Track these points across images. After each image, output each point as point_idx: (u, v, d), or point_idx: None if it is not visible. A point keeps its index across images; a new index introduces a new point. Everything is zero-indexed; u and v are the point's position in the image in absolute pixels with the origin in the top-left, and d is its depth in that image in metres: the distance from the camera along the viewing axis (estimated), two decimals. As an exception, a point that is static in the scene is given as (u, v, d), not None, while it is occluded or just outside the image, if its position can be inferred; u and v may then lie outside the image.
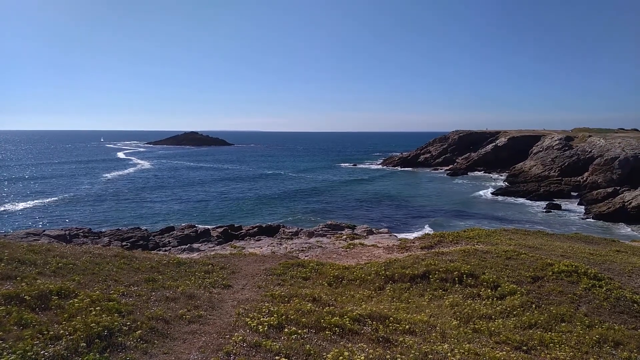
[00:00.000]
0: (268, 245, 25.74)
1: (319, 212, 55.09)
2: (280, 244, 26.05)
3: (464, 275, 13.00)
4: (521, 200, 64.64)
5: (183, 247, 29.05)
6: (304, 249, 23.03)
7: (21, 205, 57.29)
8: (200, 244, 30.84)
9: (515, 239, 20.14)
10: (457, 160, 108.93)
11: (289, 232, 33.66)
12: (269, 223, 40.75)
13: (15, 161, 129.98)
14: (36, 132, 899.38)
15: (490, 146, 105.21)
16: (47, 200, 61.76)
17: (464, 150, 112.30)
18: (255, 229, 37.47)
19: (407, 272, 13.34)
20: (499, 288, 12.13)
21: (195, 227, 39.35)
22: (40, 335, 6.01)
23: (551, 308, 10.80)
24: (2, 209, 55.07)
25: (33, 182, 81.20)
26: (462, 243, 19.24)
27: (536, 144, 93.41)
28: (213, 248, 27.40)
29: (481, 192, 71.46)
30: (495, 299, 11.61)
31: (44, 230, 31.76)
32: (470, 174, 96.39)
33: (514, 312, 10.68)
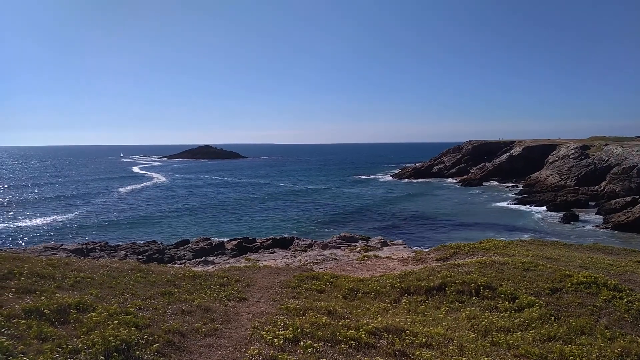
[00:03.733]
0: (282, 258, 25.75)
1: (332, 223, 55.01)
2: (294, 257, 26.04)
3: (481, 288, 12.83)
4: (537, 210, 63.76)
5: (198, 260, 29.18)
6: (318, 261, 22.99)
7: (38, 220, 58.26)
8: (215, 257, 30.96)
9: (533, 250, 19.84)
10: (471, 171, 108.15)
11: (303, 244, 33.64)
12: (283, 235, 40.79)
13: (32, 177, 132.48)
14: (57, 147, 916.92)
15: (505, 156, 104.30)
16: (64, 215, 62.72)
17: (478, 161, 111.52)
18: (269, 242, 37.53)
19: (422, 284, 13.22)
20: (516, 300, 11.94)
21: (210, 240, 39.55)
22: (60, 349, 6.07)
23: (571, 320, 10.59)
24: (20, 224, 56.04)
25: (50, 197, 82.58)
26: (478, 254, 19.02)
27: (552, 153, 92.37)
28: (228, 261, 27.49)
29: (496, 203, 70.72)
30: (513, 311, 11.42)
31: (61, 245, 32.21)
32: (484, 184, 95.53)
33: (533, 325, 10.49)
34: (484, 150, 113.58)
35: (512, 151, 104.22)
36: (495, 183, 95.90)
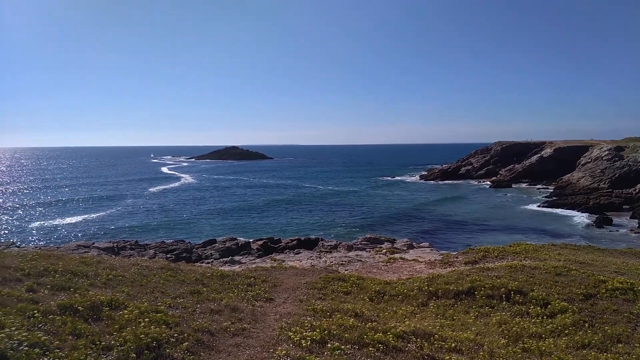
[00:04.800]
0: (307, 259, 25.78)
1: (358, 225, 54.82)
2: (320, 258, 26.03)
3: (512, 292, 12.54)
4: (569, 213, 62.01)
5: (225, 259, 29.53)
6: (344, 262, 22.91)
7: (71, 219, 60.09)
8: (241, 257, 31.27)
9: (565, 254, 19.30)
10: (500, 172, 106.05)
11: (328, 245, 33.62)
12: (308, 236, 40.87)
13: (65, 177, 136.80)
14: (89, 148, 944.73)
15: (535, 157, 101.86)
16: (95, 214, 64.52)
17: (507, 162, 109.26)
18: (294, 242, 37.67)
19: (451, 288, 13.02)
20: (549, 306, 11.63)
21: (236, 239, 39.99)
22: (93, 346, 6.21)
23: (606, 327, 10.24)
24: (54, 222, 57.93)
25: (81, 196, 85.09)
26: (508, 258, 18.62)
27: (584, 155, 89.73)
28: (254, 261, 27.71)
29: (526, 205, 69.14)
30: (545, 317, 11.13)
31: (93, 243, 33.13)
32: (514, 186, 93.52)
33: (566, 331, 10.19)
34: (513, 152, 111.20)
35: (542, 152, 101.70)
36: (525, 185, 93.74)
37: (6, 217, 62.07)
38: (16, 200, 79.74)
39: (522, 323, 10.73)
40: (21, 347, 5.38)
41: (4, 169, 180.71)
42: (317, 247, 33.63)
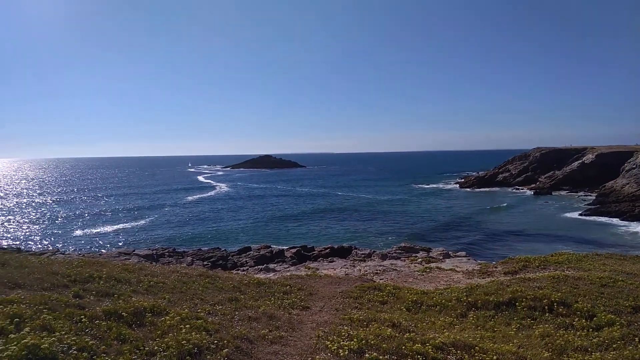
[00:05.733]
0: (341, 267, 25.70)
1: (391, 233, 54.27)
2: (354, 266, 25.91)
3: (555, 304, 12.11)
4: (613, 221, 59.45)
5: (259, 267, 29.81)
6: (378, 271, 22.72)
7: (112, 227, 62.16)
8: (275, 265, 31.49)
9: (610, 265, 18.49)
10: (539, 179, 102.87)
11: (362, 254, 33.44)
12: (341, 244, 40.75)
13: (107, 187, 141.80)
14: (132, 158, 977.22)
15: (576, 164, 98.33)
16: (135, 222, 66.51)
17: (547, 169, 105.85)
18: (327, 250, 37.64)
19: (491, 298, 12.68)
20: (594, 318, 11.15)
21: (270, 247, 40.33)
22: (137, 351, 6.38)
23: (658, 342, 9.72)
24: (96, 230, 60.07)
25: (121, 205, 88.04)
26: (549, 268, 18.01)
27: (628, 161, 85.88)
28: (288, 269, 27.86)
29: (567, 213, 66.73)
30: (590, 330, 10.67)
31: (133, 250, 34.14)
32: (554, 193, 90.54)
33: (614, 345, 9.72)
34: (552, 158, 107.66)
35: (584, 158, 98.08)
36: (566, 192, 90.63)
37: (51, 225, 64.87)
38: (60, 209, 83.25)
39: (566, 336, 10.33)
40: (70, 351, 5.59)
41: (50, 179, 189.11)
42: (350, 256, 33.49)
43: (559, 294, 12.72)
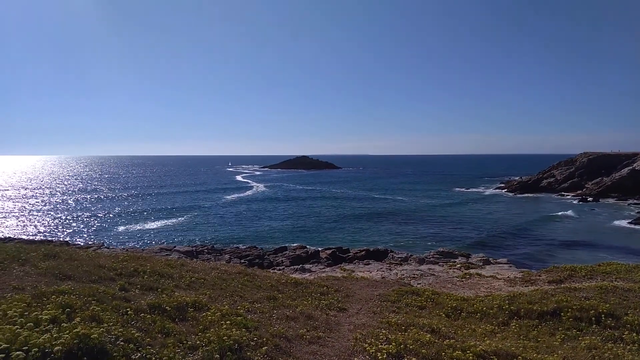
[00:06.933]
0: (377, 270, 25.51)
1: (429, 237, 53.37)
2: (390, 270, 25.67)
3: (603, 315, 11.57)
4: (668, 232, 56.22)
5: (295, 267, 30.01)
6: (415, 276, 22.41)
7: (153, 224, 64.17)
8: (311, 265, 31.61)
9: (664, 277, 17.50)
10: (586, 186, 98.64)
11: (398, 257, 33.08)
12: (377, 247, 40.44)
13: (149, 185, 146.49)
14: (175, 157, 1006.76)
15: (626, 170, 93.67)
16: (175, 219, 68.39)
17: (595, 175, 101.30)
18: (363, 253, 37.48)
19: (534, 307, 12.24)
20: (646, 332, 10.58)
21: (306, 247, 40.52)
22: (180, 344, 6.54)
23: None
24: (138, 227, 62.16)
25: (163, 203, 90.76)
26: (597, 278, 17.23)
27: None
28: (323, 270, 27.90)
29: (616, 221, 63.64)
30: (641, 344, 10.13)
31: (174, 246, 35.09)
32: (602, 200, 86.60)
33: (667, 362, 9.20)
34: (601, 164, 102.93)
35: (635, 165, 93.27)
36: (614, 200, 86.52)
37: (96, 220, 67.64)
38: (104, 205, 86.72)
39: (615, 349, 9.85)
40: (118, 342, 5.79)
41: (95, 176, 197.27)
42: (386, 259, 33.21)
43: (607, 305, 12.16)
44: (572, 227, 60.21)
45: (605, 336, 10.80)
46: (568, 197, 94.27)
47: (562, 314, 11.93)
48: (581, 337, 10.73)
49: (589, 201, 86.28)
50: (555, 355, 9.42)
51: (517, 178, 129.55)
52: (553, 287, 15.87)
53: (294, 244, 44.42)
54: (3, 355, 4.62)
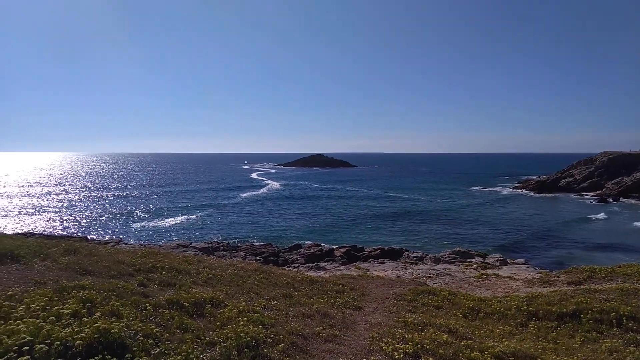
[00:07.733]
0: (392, 269, 25.41)
1: (444, 237, 52.96)
2: (405, 269, 25.54)
3: (624, 318, 11.34)
4: (691, 233, 54.86)
5: (310, 264, 30.07)
6: (431, 275, 22.27)
7: (170, 220, 64.93)
8: (325, 263, 31.63)
9: (687, 280, 17.08)
10: (606, 186, 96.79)
11: (414, 256, 32.90)
12: (392, 246, 40.25)
13: (164, 182, 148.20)
14: (190, 154, 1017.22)
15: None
16: (191, 216, 69.08)
17: (615, 174, 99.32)
18: (378, 251, 37.36)
19: (553, 309, 12.06)
20: (669, 336, 10.34)
21: (321, 245, 40.54)
22: (199, 340, 6.59)
23: None
24: (155, 223, 62.93)
25: (179, 200, 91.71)
26: (617, 280, 16.90)
27: None
28: (338, 268, 27.89)
29: (637, 222, 62.38)
30: (665, 348, 9.90)
31: (191, 243, 35.43)
32: (622, 201, 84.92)
33: (691, 367, 8.98)
34: (621, 163, 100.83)
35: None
36: (635, 200, 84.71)
37: (114, 216, 68.67)
38: (122, 202, 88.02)
39: (637, 353, 9.65)
40: (137, 337, 5.85)
41: (113, 173, 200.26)
42: (401, 258, 33.06)
43: (629, 307, 11.92)
44: (592, 228, 59.20)
45: (627, 339, 10.59)
46: (587, 197, 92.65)
47: (581, 315, 11.74)
48: (601, 340, 10.54)
49: (609, 202, 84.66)
50: (575, 357, 9.27)
51: (535, 177, 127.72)
52: (572, 288, 15.62)
53: (308, 242, 44.48)
54: (27, 347, 4.71)
